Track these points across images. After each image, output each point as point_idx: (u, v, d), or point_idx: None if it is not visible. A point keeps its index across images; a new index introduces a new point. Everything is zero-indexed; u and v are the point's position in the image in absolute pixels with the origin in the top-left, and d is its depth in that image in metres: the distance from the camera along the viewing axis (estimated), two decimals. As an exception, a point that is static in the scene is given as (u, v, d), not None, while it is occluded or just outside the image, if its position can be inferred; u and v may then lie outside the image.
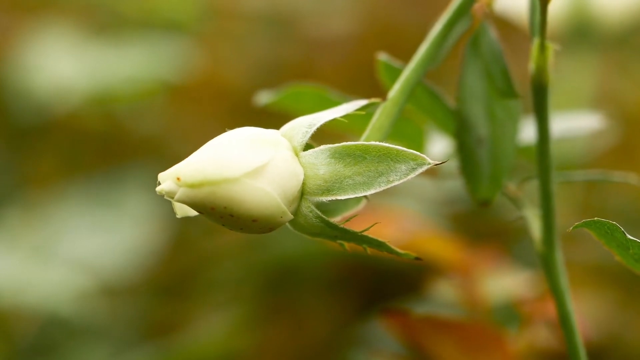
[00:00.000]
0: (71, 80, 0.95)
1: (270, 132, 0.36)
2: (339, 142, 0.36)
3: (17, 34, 1.03)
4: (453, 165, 0.42)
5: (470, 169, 0.42)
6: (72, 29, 1.02)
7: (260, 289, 0.87)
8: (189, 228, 0.91)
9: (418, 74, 0.39)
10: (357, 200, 0.38)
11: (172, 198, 0.35)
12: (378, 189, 0.35)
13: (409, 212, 0.73)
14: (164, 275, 0.88)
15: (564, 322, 0.41)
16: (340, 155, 0.35)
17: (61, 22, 1.03)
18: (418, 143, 0.47)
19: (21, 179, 0.97)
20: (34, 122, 0.97)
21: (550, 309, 0.53)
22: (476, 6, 0.41)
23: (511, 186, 0.44)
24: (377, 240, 0.36)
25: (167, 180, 0.35)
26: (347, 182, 0.35)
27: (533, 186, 0.42)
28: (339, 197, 0.35)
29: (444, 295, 0.61)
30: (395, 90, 0.39)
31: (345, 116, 0.37)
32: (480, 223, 0.85)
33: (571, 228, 0.37)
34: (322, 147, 0.36)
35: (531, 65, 0.40)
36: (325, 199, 0.35)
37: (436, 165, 0.35)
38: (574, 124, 0.50)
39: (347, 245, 0.36)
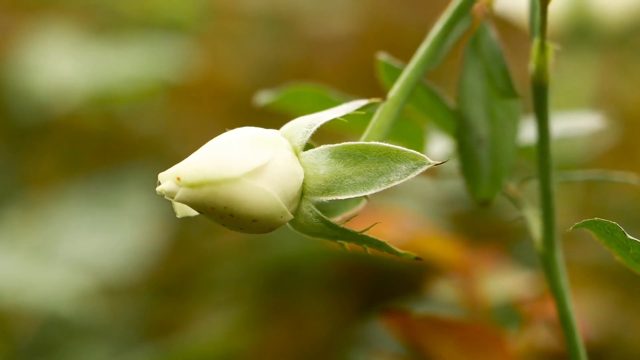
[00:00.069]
0: (71, 80, 0.95)
1: (270, 132, 0.36)
2: (339, 142, 0.36)
3: (17, 34, 1.03)
4: (453, 165, 0.42)
5: (470, 169, 0.42)
6: (72, 29, 1.02)
7: (260, 289, 0.87)
8: (189, 228, 0.91)
9: (418, 74, 0.39)
10: (357, 200, 0.38)
11: (173, 198, 0.35)
12: (378, 189, 0.35)
13: (409, 212, 0.73)
14: (164, 275, 0.88)
15: (564, 322, 0.41)
16: (340, 155, 0.35)
17: (61, 22, 1.03)
18: (418, 143, 0.47)
19: (21, 179, 0.97)
20: (34, 122, 0.97)
21: (550, 309, 0.53)
22: (476, 6, 0.41)
23: (511, 186, 0.44)
24: (377, 240, 0.36)
25: (168, 180, 0.35)
26: (347, 182, 0.35)
27: (533, 186, 0.42)
28: (339, 197, 0.35)
29: (444, 295, 0.61)
30: (395, 90, 0.39)
31: (346, 116, 0.37)
32: (480, 223, 0.85)
33: (571, 228, 0.37)
34: (323, 147, 0.36)
35: (531, 65, 0.40)
36: (325, 198, 0.35)
37: (436, 165, 0.35)
38: (574, 124, 0.50)
39: (347, 245, 0.36)
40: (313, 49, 1.08)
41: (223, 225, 0.35)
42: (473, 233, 0.78)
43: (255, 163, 0.34)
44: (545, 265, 0.42)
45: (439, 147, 0.48)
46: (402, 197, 0.84)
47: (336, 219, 0.37)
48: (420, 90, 0.42)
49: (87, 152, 1.00)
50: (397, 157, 0.35)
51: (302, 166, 0.35)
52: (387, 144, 0.35)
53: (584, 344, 0.42)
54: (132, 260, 0.85)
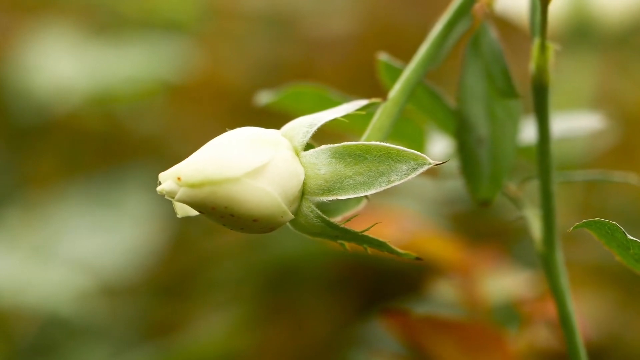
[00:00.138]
0: (71, 80, 0.95)
1: (271, 132, 0.36)
2: (340, 142, 0.36)
3: (17, 34, 1.03)
4: (453, 165, 0.42)
5: (471, 169, 0.42)
6: (72, 29, 1.02)
7: (260, 289, 0.87)
8: (189, 228, 0.91)
9: (419, 74, 0.39)
10: (358, 200, 0.38)
11: (173, 198, 0.35)
12: (379, 189, 0.35)
13: (409, 212, 0.73)
14: (164, 275, 0.88)
15: (564, 322, 0.41)
16: (341, 155, 0.35)
17: (61, 22, 1.03)
18: (418, 143, 0.47)
19: (21, 179, 0.97)
20: (34, 122, 0.97)
21: (550, 309, 0.53)
22: (476, 6, 0.41)
23: (511, 186, 0.44)
24: (377, 240, 0.36)
25: (168, 180, 0.35)
26: (347, 182, 0.35)
27: (533, 186, 0.42)
28: (339, 197, 0.35)
29: (444, 295, 0.61)
30: (395, 90, 0.39)
31: (346, 116, 0.37)
32: (480, 223, 0.85)
33: (572, 228, 0.37)
34: (323, 147, 0.36)
35: (532, 65, 0.40)
36: (326, 198, 0.35)
37: (437, 165, 0.35)
38: (574, 124, 0.50)
39: (348, 245, 0.36)
40: (313, 49, 1.08)
41: (223, 225, 0.35)
42: (473, 233, 0.78)
43: (255, 163, 0.34)
44: (546, 265, 0.42)
45: (439, 147, 0.48)
46: (402, 197, 0.84)
47: (337, 219, 0.37)
48: (420, 90, 0.42)
49: (87, 152, 1.00)
50: (397, 157, 0.35)
51: (303, 166, 0.35)
52: (387, 144, 0.35)
53: (584, 344, 0.42)
54: (132, 260, 0.85)
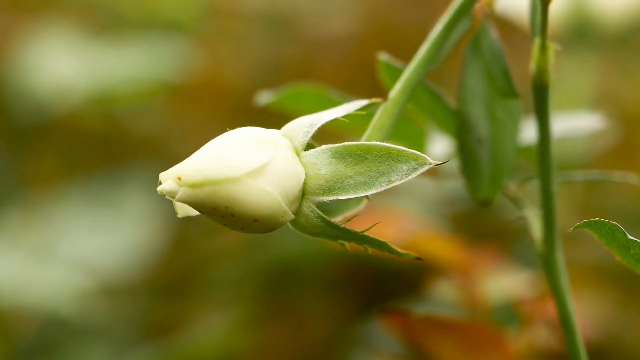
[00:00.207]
0: (71, 80, 0.95)
1: (271, 132, 0.36)
2: (340, 142, 0.36)
3: (17, 34, 1.03)
4: (454, 165, 0.42)
5: (471, 169, 0.42)
6: (72, 29, 1.02)
7: (260, 289, 0.87)
8: (189, 228, 0.91)
9: (419, 74, 0.39)
10: (358, 200, 0.38)
11: (174, 198, 0.35)
12: (379, 189, 0.35)
13: (409, 212, 0.73)
14: (164, 275, 0.88)
15: (564, 322, 0.41)
16: (341, 155, 0.35)
17: (61, 22, 1.03)
18: (419, 143, 0.47)
19: (21, 179, 0.97)
20: (34, 122, 0.97)
21: (550, 309, 0.53)
22: (477, 6, 0.41)
23: (512, 186, 0.44)
24: (378, 240, 0.36)
25: (169, 179, 0.35)
26: (348, 182, 0.35)
27: (533, 186, 0.42)
28: (340, 197, 0.35)
29: (444, 295, 0.61)
30: (396, 90, 0.39)
31: (346, 116, 0.37)
32: (480, 223, 0.85)
33: (572, 228, 0.37)
34: (323, 147, 0.36)
35: (532, 66, 0.40)
36: (326, 198, 0.35)
37: (437, 165, 0.35)
38: (575, 124, 0.50)
39: (348, 245, 0.36)
40: (313, 49, 1.08)
41: (224, 225, 0.35)
42: (473, 233, 0.78)
43: (256, 163, 0.34)
44: (546, 265, 0.42)
45: (440, 147, 0.48)
46: (402, 197, 0.84)
47: (337, 219, 0.37)
48: (421, 90, 0.42)
49: (87, 152, 1.00)
50: (398, 157, 0.35)
51: (303, 166, 0.35)
52: (388, 144, 0.35)
53: (584, 344, 0.42)
54: (132, 260, 0.85)
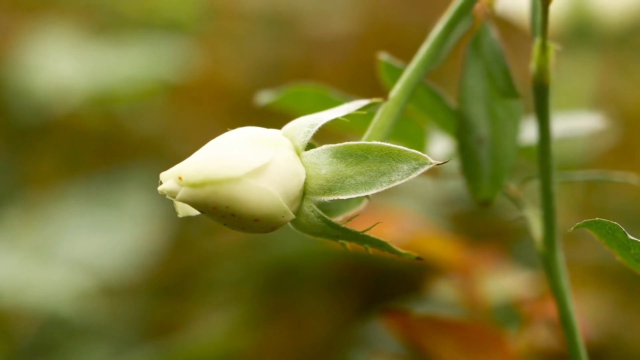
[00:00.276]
0: (71, 80, 0.95)
1: (272, 132, 0.36)
2: (341, 142, 0.36)
3: (17, 34, 1.03)
4: (454, 165, 0.42)
5: (471, 169, 0.42)
6: (72, 29, 1.02)
7: (260, 289, 0.87)
8: (189, 228, 0.91)
9: (419, 74, 0.39)
10: (359, 200, 0.38)
11: (174, 197, 0.35)
12: (380, 189, 0.35)
13: (409, 212, 0.73)
14: (164, 275, 0.88)
15: (564, 322, 0.41)
16: (342, 155, 0.35)
17: (61, 22, 1.03)
18: (419, 143, 0.47)
19: (21, 179, 0.97)
20: (34, 122, 0.97)
21: (550, 309, 0.53)
22: (477, 6, 0.41)
23: (512, 186, 0.44)
24: (378, 240, 0.36)
25: (169, 179, 0.35)
26: (349, 181, 0.35)
27: (534, 186, 0.42)
28: (340, 197, 0.35)
29: (444, 295, 0.61)
30: (396, 90, 0.39)
31: (347, 116, 0.37)
32: (480, 223, 0.85)
33: (572, 228, 0.37)
34: (324, 146, 0.36)
35: (532, 66, 0.40)
36: (327, 198, 0.35)
37: (437, 165, 0.35)
38: (575, 124, 0.50)
39: (349, 245, 0.36)
40: (313, 49, 1.08)
41: (225, 224, 0.35)
42: (473, 233, 0.78)
43: (256, 162, 0.34)
44: (546, 265, 0.42)
45: (440, 147, 0.48)
46: (402, 197, 0.84)
47: (337, 219, 0.37)
48: (421, 90, 0.43)
49: (87, 152, 1.00)
50: (398, 157, 0.35)
51: (304, 166, 0.35)
52: (388, 144, 0.35)
53: (584, 344, 0.42)
54: (132, 260, 0.85)
